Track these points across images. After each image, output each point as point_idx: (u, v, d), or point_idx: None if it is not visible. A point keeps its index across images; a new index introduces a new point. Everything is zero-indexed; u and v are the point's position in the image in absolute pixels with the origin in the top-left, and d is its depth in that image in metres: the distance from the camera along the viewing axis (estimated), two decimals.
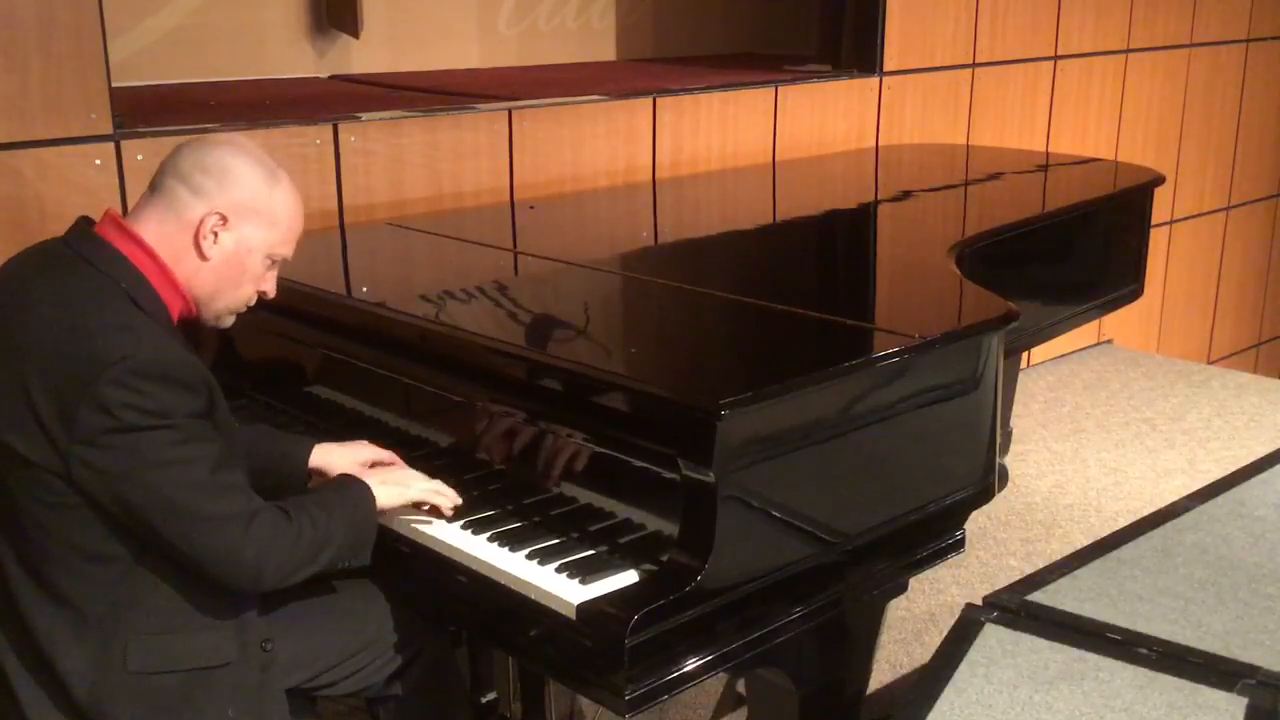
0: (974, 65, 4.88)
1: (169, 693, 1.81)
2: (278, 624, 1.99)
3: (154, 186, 1.89)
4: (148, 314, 1.79)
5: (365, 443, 2.19)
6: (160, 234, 1.85)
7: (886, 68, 4.54)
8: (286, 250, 1.96)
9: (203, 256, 1.87)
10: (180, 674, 1.82)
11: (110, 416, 1.68)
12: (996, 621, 2.34)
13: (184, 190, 1.86)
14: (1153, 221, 3.84)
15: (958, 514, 2.20)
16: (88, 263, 1.81)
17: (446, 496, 2.04)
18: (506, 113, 3.49)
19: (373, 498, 1.98)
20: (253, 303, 1.98)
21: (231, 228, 1.87)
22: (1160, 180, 3.72)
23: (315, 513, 1.88)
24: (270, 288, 1.98)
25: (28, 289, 1.80)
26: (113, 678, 1.78)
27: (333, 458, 2.13)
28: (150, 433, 1.70)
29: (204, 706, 1.84)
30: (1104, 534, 2.81)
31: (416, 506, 2.05)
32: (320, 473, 2.12)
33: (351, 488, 1.99)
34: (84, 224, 1.87)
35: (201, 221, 1.85)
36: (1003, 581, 2.75)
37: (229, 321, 1.98)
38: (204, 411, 1.77)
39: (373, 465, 2.15)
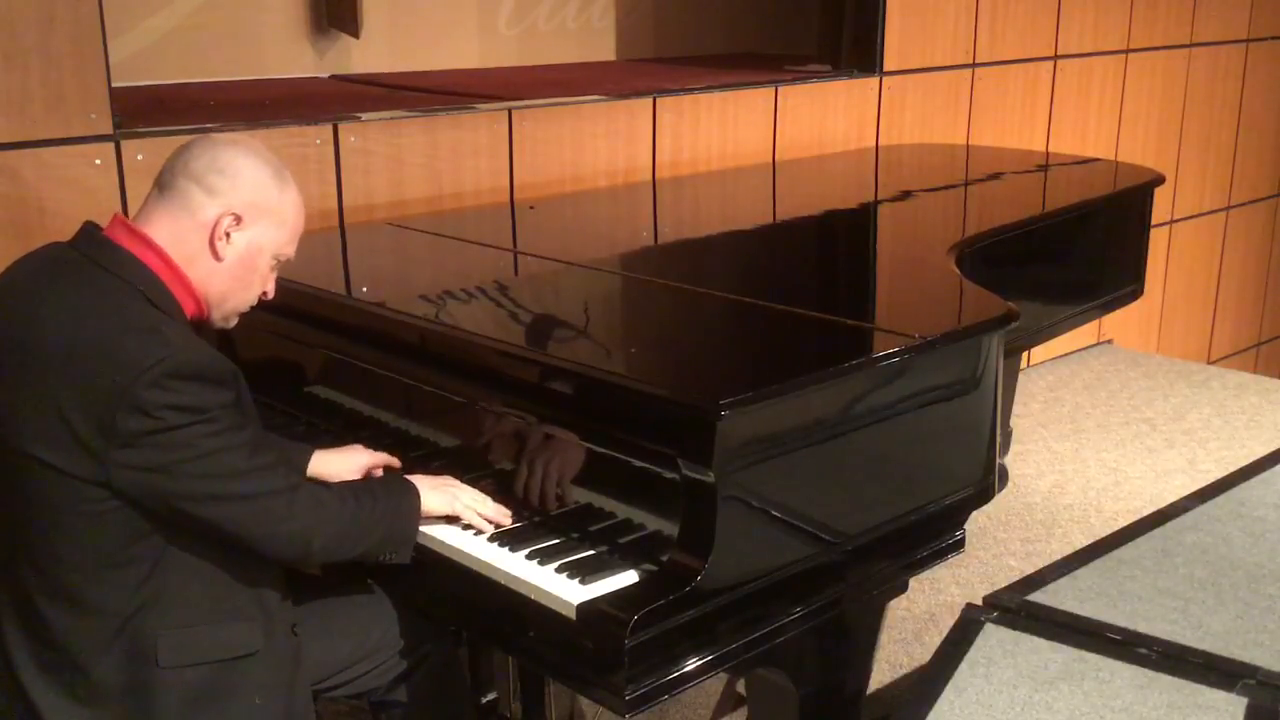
0: (974, 65, 4.88)
1: (200, 685, 1.82)
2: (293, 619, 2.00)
3: (162, 186, 1.88)
4: (164, 313, 1.80)
5: (359, 447, 2.21)
6: (173, 235, 1.85)
7: (886, 68, 4.54)
8: (290, 250, 1.97)
9: (217, 257, 1.87)
10: (211, 665, 1.83)
11: (150, 418, 1.68)
12: (996, 621, 2.34)
13: (197, 191, 1.85)
14: (1153, 221, 3.84)
15: (958, 514, 2.20)
16: (100, 267, 1.80)
17: (488, 520, 2.03)
18: (506, 113, 3.49)
19: (418, 496, 2.00)
20: (255, 303, 1.99)
21: (244, 227, 1.88)
22: (1160, 180, 3.72)
23: (361, 494, 1.93)
24: (271, 288, 1.99)
25: (40, 298, 1.79)
26: (144, 675, 1.79)
27: (330, 466, 2.15)
28: (189, 429, 1.71)
29: (234, 696, 1.85)
30: (1104, 534, 2.82)
31: (454, 520, 2.05)
32: (318, 480, 2.12)
33: (397, 483, 2.03)
34: (92, 228, 1.86)
35: (216, 222, 1.86)
36: (1003, 581, 2.75)
37: (234, 322, 1.99)
38: (234, 402, 1.79)
39: (370, 469, 2.17)
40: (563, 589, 1.82)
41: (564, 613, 1.79)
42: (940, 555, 2.18)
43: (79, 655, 1.78)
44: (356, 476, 2.15)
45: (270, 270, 1.96)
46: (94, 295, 1.78)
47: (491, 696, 2.78)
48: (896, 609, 3.45)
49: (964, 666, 2.20)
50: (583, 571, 1.84)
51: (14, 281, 1.86)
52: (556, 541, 1.95)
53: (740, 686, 2.99)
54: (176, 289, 1.84)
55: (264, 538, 1.80)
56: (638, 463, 1.87)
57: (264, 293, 1.98)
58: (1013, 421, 4.18)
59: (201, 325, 1.94)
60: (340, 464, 2.15)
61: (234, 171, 1.87)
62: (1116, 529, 2.82)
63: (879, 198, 3.78)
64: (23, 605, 1.82)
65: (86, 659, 1.78)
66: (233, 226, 1.87)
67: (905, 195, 3.73)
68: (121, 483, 1.71)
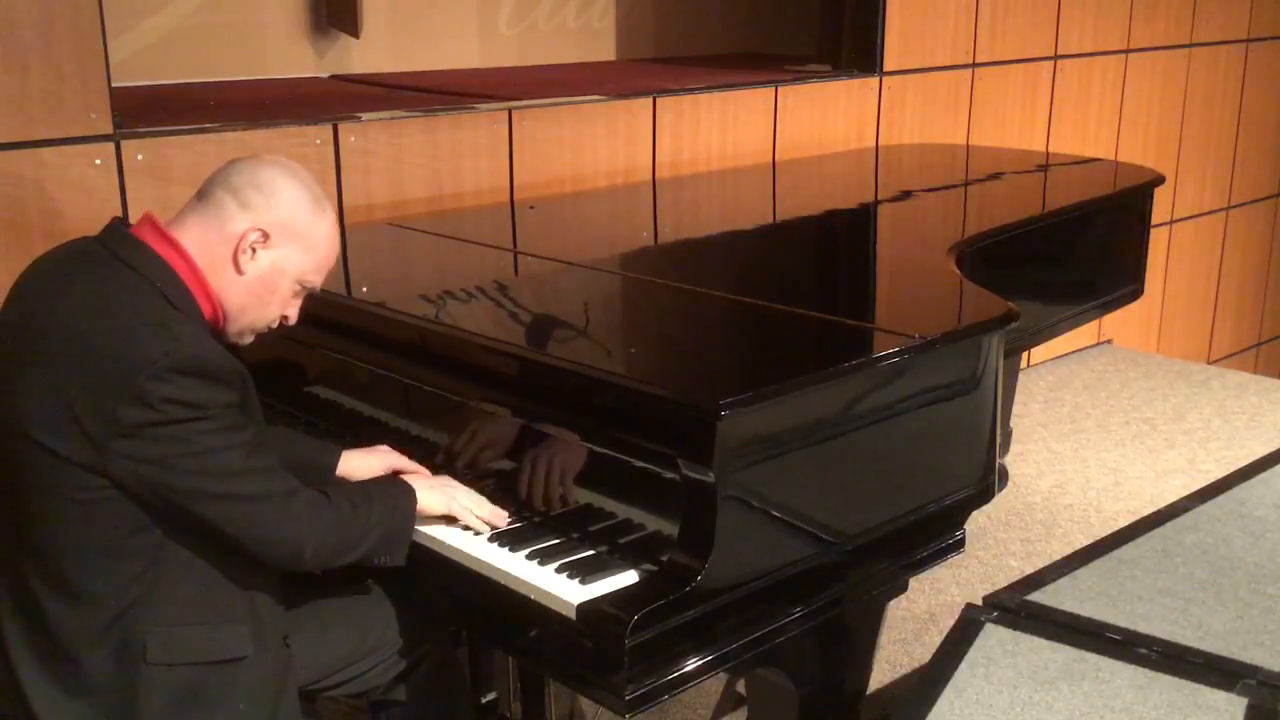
0: (974, 65, 4.88)
1: (187, 685, 1.82)
2: (288, 626, 2.00)
3: (202, 195, 1.91)
4: (181, 311, 1.81)
5: (386, 448, 2.21)
6: (201, 242, 1.87)
7: (886, 68, 4.54)
8: (316, 279, 1.98)
9: (239, 270, 1.89)
10: (198, 666, 1.83)
11: (151, 410, 1.70)
12: (996, 621, 2.34)
13: (232, 203, 1.88)
14: (1153, 221, 3.84)
15: (958, 514, 2.20)
16: (121, 261, 1.82)
17: (484, 521, 2.03)
18: (506, 113, 3.49)
19: (414, 498, 2.00)
20: (274, 326, 1.99)
21: (271, 246, 1.89)
22: (1160, 180, 3.72)
23: (356, 499, 1.93)
24: (293, 314, 2.00)
25: (60, 288, 1.82)
26: (132, 670, 1.80)
27: (357, 465, 2.15)
28: (189, 424, 1.72)
29: (220, 700, 1.85)
30: (1104, 534, 2.82)
31: (452, 520, 2.04)
32: (345, 481, 2.12)
33: (393, 485, 2.03)
34: (118, 224, 1.89)
35: (243, 236, 1.87)
36: (1003, 581, 2.75)
37: (249, 339, 1.99)
38: (238, 403, 1.80)
39: (397, 472, 2.16)
40: (563, 589, 1.82)
41: (564, 613, 1.79)
42: (940, 555, 2.18)
43: (71, 645, 1.79)
44: None
45: (293, 296, 1.97)
46: (111, 288, 1.79)
47: (491, 696, 2.79)
48: (896, 609, 3.45)
49: (964, 666, 2.20)
50: (583, 571, 1.84)
51: (39, 272, 1.89)
52: (556, 541, 1.95)
53: (740, 686, 2.99)
54: (196, 290, 1.86)
55: (256, 540, 1.81)
56: (638, 463, 1.87)
57: (284, 317, 1.98)
58: (1013, 421, 4.18)
59: (215, 336, 1.94)
60: (369, 464, 2.15)
61: (271, 190, 1.89)
62: (1116, 529, 2.82)
63: (879, 198, 3.78)
64: (21, 591, 1.83)
65: (78, 649, 1.79)
66: (259, 243, 1.88)
67: (905, 195, 3.73)
68: (119, 472, 1.72)
